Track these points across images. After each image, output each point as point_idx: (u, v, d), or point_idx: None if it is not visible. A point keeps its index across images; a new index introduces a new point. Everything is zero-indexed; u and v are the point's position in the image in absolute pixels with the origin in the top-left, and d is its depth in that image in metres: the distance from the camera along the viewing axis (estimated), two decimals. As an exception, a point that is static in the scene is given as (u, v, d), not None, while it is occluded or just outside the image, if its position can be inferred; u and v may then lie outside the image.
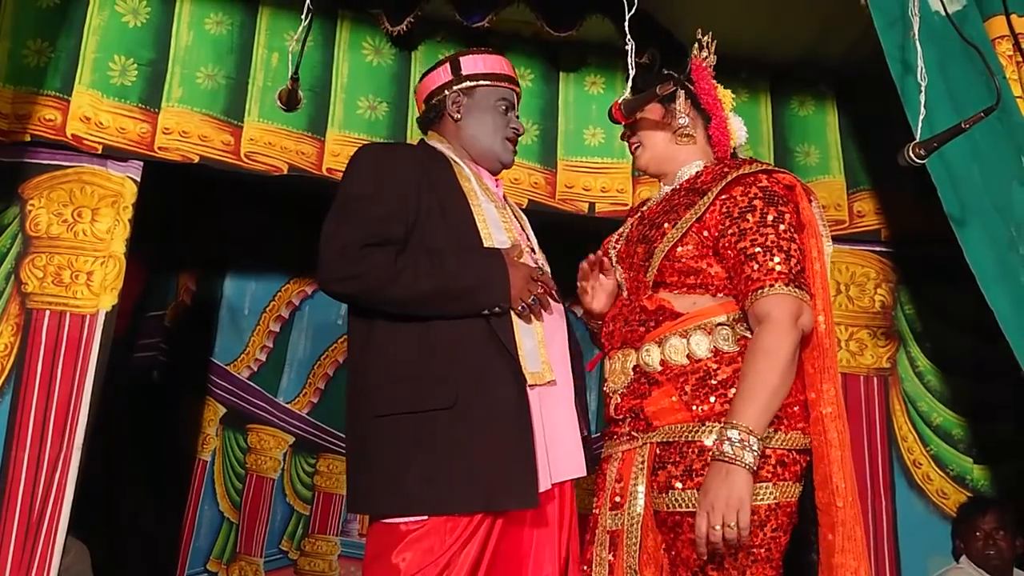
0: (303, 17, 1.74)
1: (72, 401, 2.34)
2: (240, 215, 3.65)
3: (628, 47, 1.74)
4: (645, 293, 1.65)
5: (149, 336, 3.45)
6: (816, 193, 1.79)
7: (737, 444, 1.44)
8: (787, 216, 1.60)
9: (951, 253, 2.17)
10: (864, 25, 2.30)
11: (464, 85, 1.87)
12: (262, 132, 2.61)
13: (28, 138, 2.45)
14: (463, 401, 1.61)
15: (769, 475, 1.51)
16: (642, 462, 1.59)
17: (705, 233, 1.62)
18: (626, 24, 1.72)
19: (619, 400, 1.65)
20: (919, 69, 1.91)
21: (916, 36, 1.96)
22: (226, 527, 3.53)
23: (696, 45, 1.88)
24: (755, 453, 1.45)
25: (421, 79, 1.97)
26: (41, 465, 2.28)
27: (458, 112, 1.86)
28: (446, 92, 1.87)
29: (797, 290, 1.55)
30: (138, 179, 2.51)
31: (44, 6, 2.52)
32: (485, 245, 1.72)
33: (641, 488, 1.59)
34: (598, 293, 1.80)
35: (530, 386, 1.66)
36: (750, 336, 1.57)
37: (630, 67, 1.77)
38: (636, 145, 1.82)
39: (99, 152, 2.49)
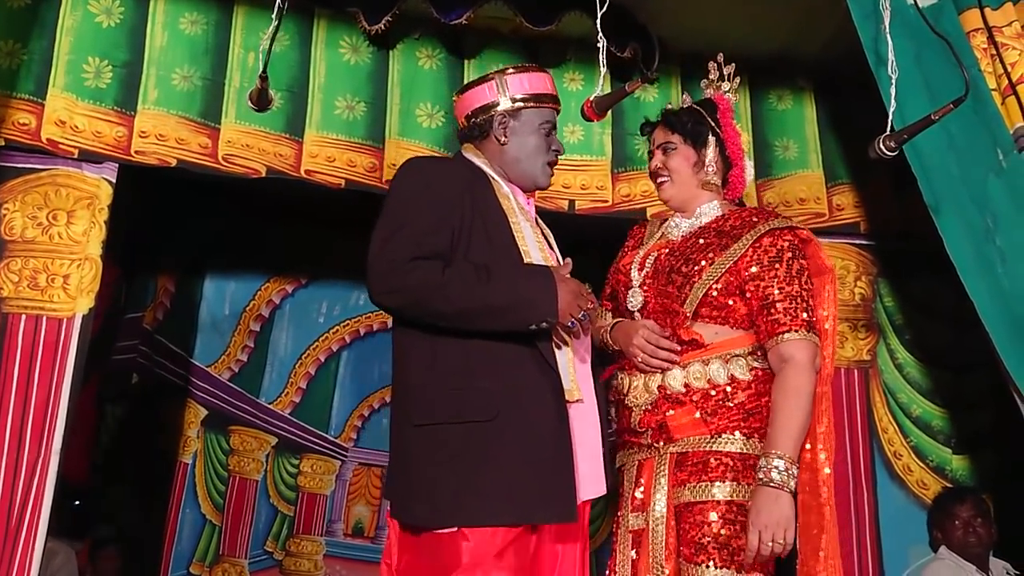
0: (273, 16, 1.73)
1: (50, 405, 2.32)
2: (219, 216, 3.64)
3: (600, 44, 1.74)
4: (681, 323, 1.83)
5: (128, 338, 3.43)
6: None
7: (783, 472, 1.69)
8: (807, 269, 1.86)
9: (930, 245, 2.19)
10: (842, 19, 2.31)
11: (511, 107, 1.86)
12: (240, 134, 2.59)
13: (2, 142, 2.42)
14: (503, 415, 1.63)
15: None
16: (663, 469, 1.80)
17: (735, 275, 1.83)
18: (598, 21, 1.72)
19: (642, 415, 1.85)
20: (890, 62, 1.92)
21: (887, 29, 1.97)
22: (208, 529, 3.52)
23: (713, 73, 2.02)
24: (796, 479, 1.72)
25: (463, 91, 1.94)
26: (19, 470, 2.26)
27: (504, 136, 1.86)
28: (493, 113, 1.86)
29: (815, 336, 1.81)
30: (113, 180, 2.49)
31: (14, 6, 2.48)
32: (524, 262, 1.75)
33: (663, 491, 1.79)
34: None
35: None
36: (759, 366, 1.82)
37: (602, 64, 1.77)
38: (664, 179, 1.96)
39: (75, 156, 2.46)
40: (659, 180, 1.97)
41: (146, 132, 2.51)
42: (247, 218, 3.67)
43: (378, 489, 3.81)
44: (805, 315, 1.79)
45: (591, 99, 1.76)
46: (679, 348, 1.82)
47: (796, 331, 1.78)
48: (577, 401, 1.72)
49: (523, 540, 1.64)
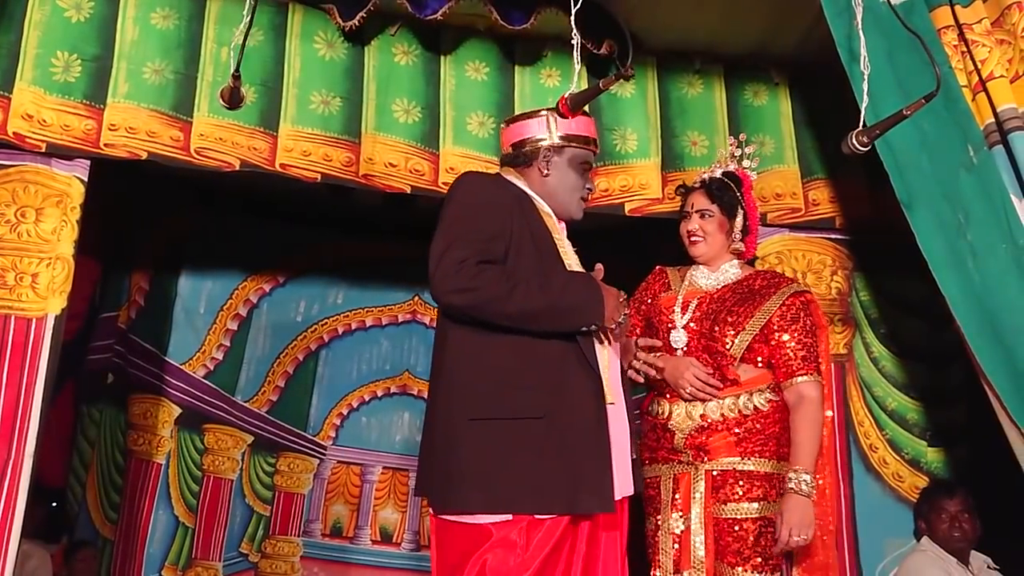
0: (244, 13, 1.71)
1: (20, 406, 2.28)
2: (194, 214, 3.59)
3: (574, 40, 1.73)
4: (728, 364, 2.23)
5: (103, 338, 3.38)
6: None
7: (808, 484, 2.17)
8: (815, 326, 2.34)
9: (905, 240, 2.21)
10: (816, 14, 2.32)
11: (557, 144, 2.06)
12: (212, 127, 2.56)
13: (-33, 137, 2.38)
14: (551, 412, 1.80)
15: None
16: (699, 483, 2.20)
17: (766, 328, 2.27)
18: (572, 18, 1.72)
19: (685, 438, 2.22)
20: (862, 58, 1.93)
21: (860, 25, 1.98)
22: (181, 532, 3.47)
23: (737, 150, 2.45)
24: (815, 490, 2.21)
25: (514, 121, 2.14)
26: (-11, 473, 2.22)
27: (547, 168, 2.05)
28: (539, 146, 2.05)
29: (821, 379, 2.31)
30: (85, 179, 2.46)
31: (-20, 1, 2.45)
32: (568, 270, 1.94)
33: (700, 501, 2.18)
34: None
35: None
36: (775, 399, 2.26)
37: (576, 61, 1.77)
38: (698, 239, 2.35)
39: (43, 150, 2.43)
40: (693, 239, 2.36)
41: (116, 125, 2.48)
42: (224, 217, 3.63)
43: (357, 488, 3.79)
44: (816, 363, 2.28)
45: (566, 96, 1.76)
46: (721, 385, 2.21)
47: (810, 374, 2.25)
48: (611, 404, 1.87)
49: (568, 530, 1.79)
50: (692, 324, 2.29)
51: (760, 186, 2.89)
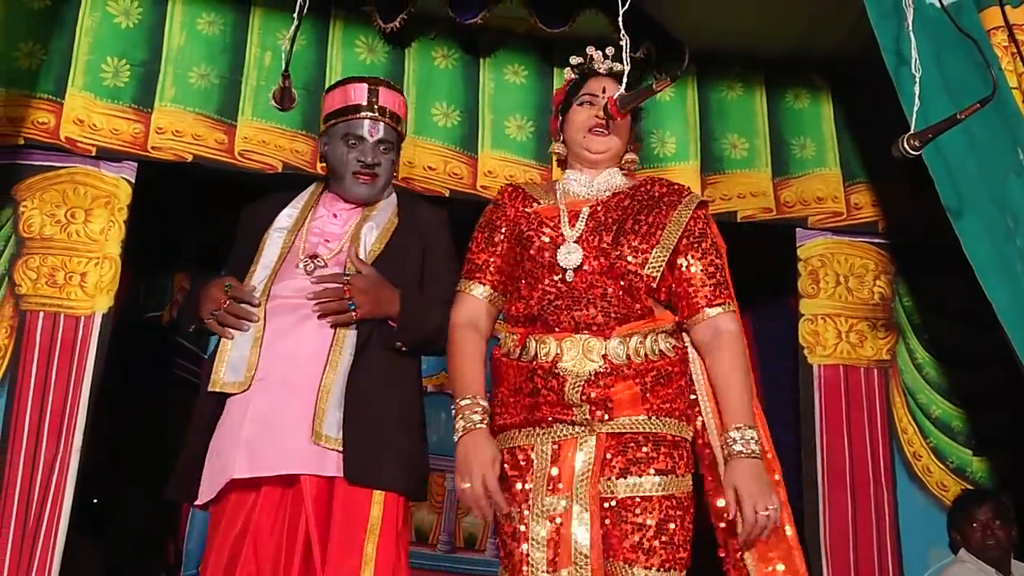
0: (295, 16, 1.73)
1: (68, 403, 2.33)
2: (236, 215, 3.63)
3: (623, 42, 1.73)
4: (641, 286, 1.74)
5: (147, 337, 3.44)
6: None
7: (756, 442, 1.68)
8: (720, 242, 1.88)
9: (948, 244, 2.17)
10: (856, 16, 2.30)
11: (324, 127, 2.22)
12: (256, 131, 2.60)
13: (21, 141, 2.44)
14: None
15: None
16: (589, 448, 1.67)
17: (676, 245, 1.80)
18: (620, 19, 1.71)
19: (580, 385, 1.69)
20: (913, 60, 1.90)
21: (911, 27, 1.96)
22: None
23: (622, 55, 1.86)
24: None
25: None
26: (37, 467, 2.27)
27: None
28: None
29: (736, 311, 1.83)
30: (132, 180, 2.50)
31: (36, 8, 2.51)
32: None
33: (587, 472, 1.65)
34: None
35: None
36: (678, 344, 1.80)
37: (625, 63, 1.77)
38: (603, 130, 1.85)
39: (93, 154, 2.48)
40: (597, 131, 1.86)
41: (163, 128, 2.53)
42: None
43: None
44: (730, 290, 1.80)
45: (615, 97, 1.75)
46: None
47: (725, 304, 1.78)
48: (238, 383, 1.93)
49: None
50: (588, 238, 1.76)
51: (801, 189, 2.88)
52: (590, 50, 1.90)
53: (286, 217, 2.07)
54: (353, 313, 1.91)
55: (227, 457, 1.85)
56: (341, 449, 1.84)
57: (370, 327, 1.94)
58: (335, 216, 2.05)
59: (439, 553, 3.74)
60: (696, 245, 1.79)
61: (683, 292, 1.79)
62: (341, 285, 1.91)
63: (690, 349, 1.82)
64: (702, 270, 1.78)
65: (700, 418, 1.79)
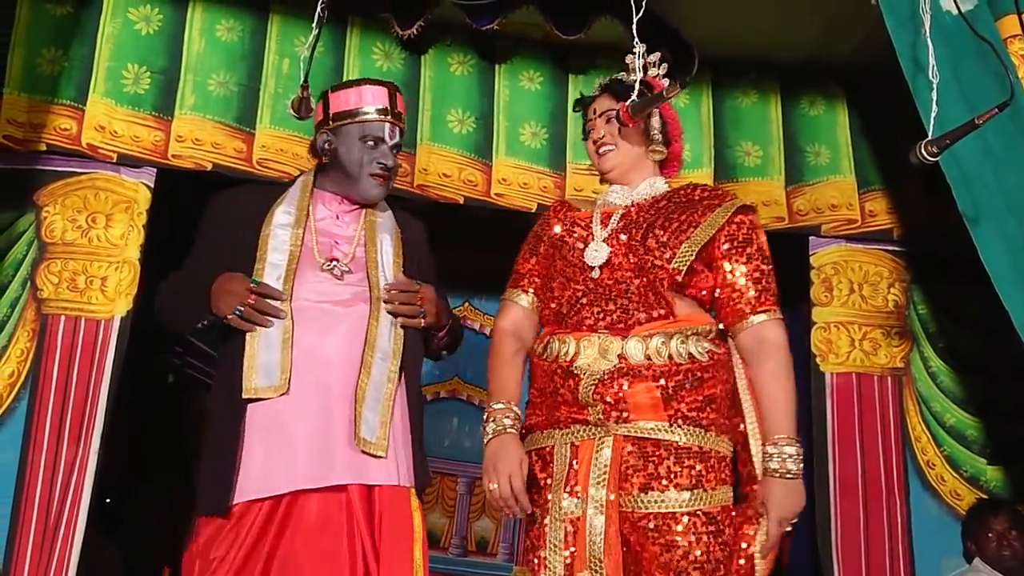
0: (314, 25, 1.75)
1: (88, 405, 2.36)
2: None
3: (637, 49, 1.74)
4: (666, 280, 1.71)
5: (165, 341, 3.47)
6: None
7: (795, 460, 1.66)
8: (768, 250, 1.82)
9: (964, 252, 2.16)
10: (872, 23, 2.29)
11: (332, 125, 2.09)
12: (274, 139, 2.62)
13: (44, 147, 2.48)
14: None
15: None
16: (606, 449, 1.64)
17: (710, 244, 1.76)
18: (634, 27, 1.72)
19: (593, 384, 1.67)
20: (931, 67, 1.90)
21: (928, 34, 1.95)
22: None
23: (635, 63, 1.86)
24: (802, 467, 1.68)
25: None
26: (57, 469, 2.30)
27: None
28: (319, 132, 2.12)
29: (784, 318, 1.78)
30: (152, 185, 2.54)
31: (57, 15, 2.55)
32: None
33: (604, 474, 1.62)
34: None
35: None
36: (716, 350, 1.73)
37: (639, 69, 1.78)
38: (609, 147, 1.86)
39: (114, 161, 2.51)
40: (603, 149, 1.87)
41: (183, 136, 2.56)
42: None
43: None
44: (775, 296, 1.75)
45: (627, 104, 1.76)
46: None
47: (770, 312, 1.73)
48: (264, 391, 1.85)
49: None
50: (618, 236, 1.75)
51: (815, 197, 2.87)
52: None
53: (284, 214, 1.97)
54: (421, 320, 1.95)
55: (279, 466, 1.77)
56: (383, 455, 1.81)
57: (404, 332, 1.94)
58: (338, 218, 2.05)
59: (451, 557, 3.75)
60: (740, 250, 1.75)
61: (727, 298, 1.74)
62: (416, 291, 1.94)
63: (734, 354, 1.77)
64: (746, 275, 1.73)
65: (742, 426, 1.74)
